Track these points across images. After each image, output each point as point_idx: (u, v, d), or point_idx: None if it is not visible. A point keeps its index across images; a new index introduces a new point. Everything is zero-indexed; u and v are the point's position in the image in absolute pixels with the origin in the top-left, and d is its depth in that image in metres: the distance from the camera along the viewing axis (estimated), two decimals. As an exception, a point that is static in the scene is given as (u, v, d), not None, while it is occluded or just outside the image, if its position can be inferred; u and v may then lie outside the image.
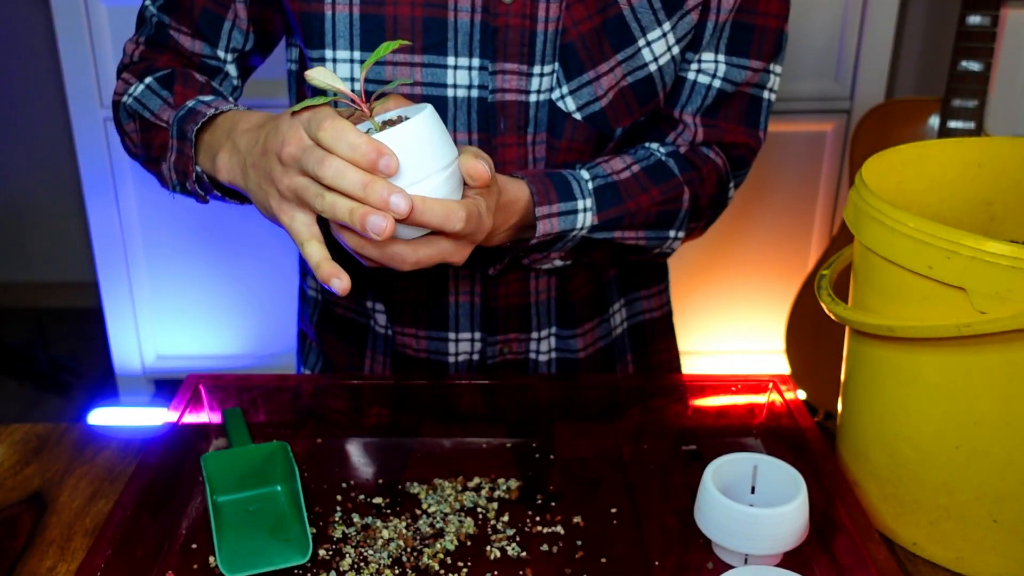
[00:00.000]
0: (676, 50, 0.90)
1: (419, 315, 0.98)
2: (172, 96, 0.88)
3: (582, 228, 0.88)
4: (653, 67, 0.89)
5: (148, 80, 0.90)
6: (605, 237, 0.90)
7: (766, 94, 0.95)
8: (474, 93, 0.88)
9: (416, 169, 0.68)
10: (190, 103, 0.84)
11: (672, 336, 1.13)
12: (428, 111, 0.68)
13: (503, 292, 0.96)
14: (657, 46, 0.89)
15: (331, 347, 1.07)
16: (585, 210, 0.88)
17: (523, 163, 0.90)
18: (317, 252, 0.71)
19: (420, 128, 0.67)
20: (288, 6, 0.88)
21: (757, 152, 0.98)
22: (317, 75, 0.69)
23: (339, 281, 0.70)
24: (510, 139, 0.89)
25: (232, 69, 0.95)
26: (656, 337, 1.09)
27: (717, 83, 0.92)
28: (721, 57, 0.92)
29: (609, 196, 0.89)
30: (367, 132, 0.69)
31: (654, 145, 0.95)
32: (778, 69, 0.95)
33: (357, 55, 0.87)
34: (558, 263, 0.92)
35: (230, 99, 0.87)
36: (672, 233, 0.94)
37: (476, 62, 0.87)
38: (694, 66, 0.93)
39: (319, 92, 0.72)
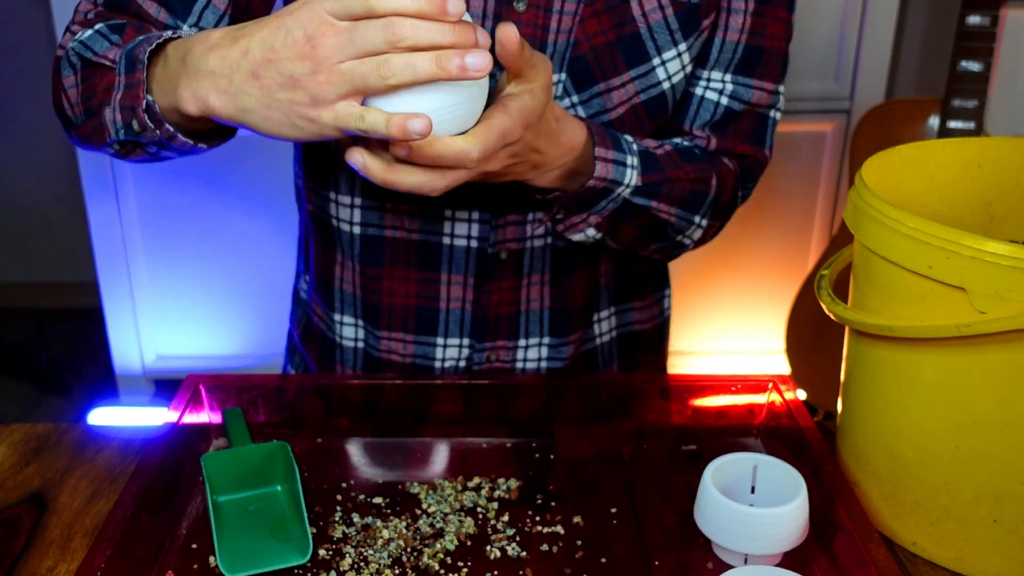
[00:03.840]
0: (689, 68, 0.91)
1: (408, 319, 0.98)
2: (122, 39, 0.80)
3: (628, 185, 0.87)
4: (666, 85, 0.90)
5: (99, 26, 0.82)
6: (643, 204, 0.89)
7: (772, 113, 0.97)
8: None
9: (433, 86, 0.66)
10: (140, 36, 0.78)
11: (664, 348, 1.13)
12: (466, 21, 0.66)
13: (495, 300, 0.96)
14: (672, 65, 0.89)
15: (309, 350, 1.07)
16: (633, 167, 0.87)
17: None
18: (379, 115, 0.65)
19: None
20: None
21: (764, 168, 0.99)
22: None
23: (418, 120, 0.64)
24: None
25: None
26: (646, 347, 1.09)
27: (725, 100, 0.94)
28: (728, 76, 0.93)
29: (650, 161, 0.89)
30: None
31: (674, 140, 0.96)
32: (782, 89, 0.97)
33: None
34: (591, 232, 0.90)
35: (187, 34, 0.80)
36: (697, 219, 0.94)
37: None
38: (702, 83, 0.94)
39: None
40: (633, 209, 0.89)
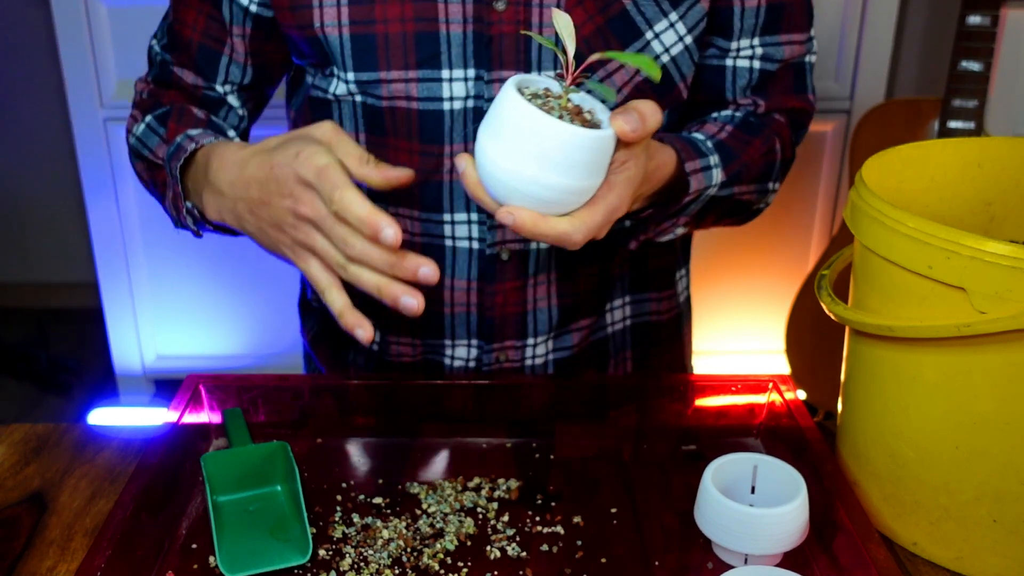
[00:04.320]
0: (689, 39, 0.90)
1: (415, 324, 0.98)
2: (166, 132, 0.90)
3: (715, 184, 0.88)
4: (665, 58, 0.89)
5: (148, 119, 0.93)
6: (727, 194, 0.91)
7: (808, 58, 0.97)
8: (471, 104, 0.87)
9: (563, 169, 0.65)
10: (178, 138, 0.86)
11: (680, 339, 1.13)
12: (612, 134, 0.67)
13: (500, 301, 0.96)
14: (666, 37, 0.89)
15: (321, 355, 1.07)
16: (716, 166, 0.88)
17: None
18: (339, 300, 0.72)
19: (598, 143, 0.66)
20: (290, 33, 0.90)
21: (812, 115, 1.00)
22: (560, 20, 0.67)
23: (363, 331, 0.71)
24: None
25: (233, 100, 0.96)
26: (661, 339, 1.09)
27: (758, 64, 0.94)
28: (756, 41, 0.93)
29: (726, 152, 0.90)
30: (558, 103, 0.67)
31: (725, 113, 0.96)
32: (813, 32, 0.96)
33: (351, 76, 0.88)
34: (680, 230, 0.93)
35: (211, 133, 0.87)
36: (771, 185, 0.96)
37: (472, 72, 0.87)
38: (731, 54, 0.94)
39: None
40: (717, 200, 0.91)
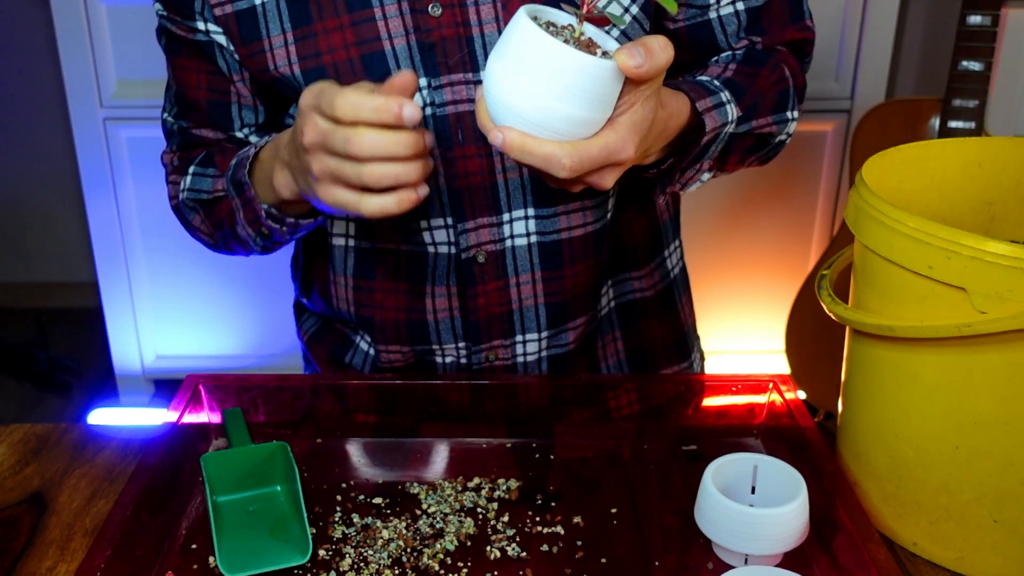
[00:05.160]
0: (635, 9, 0.88)
1: (401, 332, 0.98)
2: (217, 169, 0.94)
3: (732, 121, 0.86)
4: (615, 32, 0.87)
5: (192, 169, 0.96)
6: (746, 130, 0.88)
7: None
8: (428, 111, 0.88)
9: (559, 93, 0.62)
10: (233, 161, 0.89)
11: (674, 310, 1.10)
12: (612, 65, 0.63)
13: (483, 303, 0.95)
14: (611, 10, 0.86)
15: (319, 357, 1.08)
16: (728, 102, 0.85)
17: (490, 172, 0.90)
18: (384, 199, 0.72)
19: (596, 70, 0.62)
20: (258, 78, 0.91)
21: (814, 41, 0.97)
22: None
23: (422, 188, 0.72)
24: (470, 151, 0.89)
25: (255, 139, 0.98)
26: (650, 313, 1.07)
27: (741, 5, 0.91)
28: None
29: (736, 87, 0.87)
30: (571, 34, 0.65)
31: (725, 54, 0.94)
32: None
33: None
34: (706, 176, 0.90)
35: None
36: (789, 114, 0.93)
37: (423, 81, 0.87)
38: (712, 7, 0.91)
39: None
40: (737, 137, 0.88)
